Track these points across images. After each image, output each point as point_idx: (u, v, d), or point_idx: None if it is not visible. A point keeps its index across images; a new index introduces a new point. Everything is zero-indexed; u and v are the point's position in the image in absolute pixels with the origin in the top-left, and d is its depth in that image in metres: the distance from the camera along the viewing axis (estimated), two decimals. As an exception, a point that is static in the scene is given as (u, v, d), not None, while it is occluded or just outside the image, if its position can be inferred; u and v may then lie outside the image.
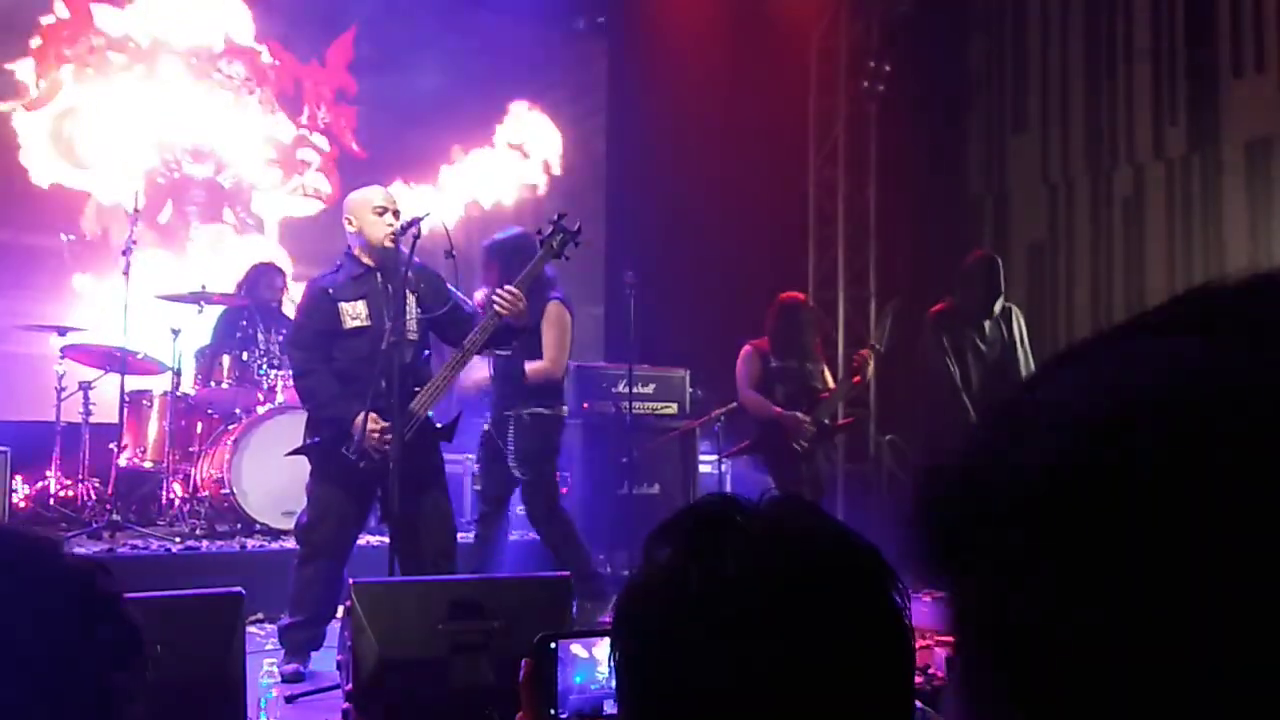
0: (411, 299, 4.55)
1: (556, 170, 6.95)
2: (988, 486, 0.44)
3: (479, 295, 5.01)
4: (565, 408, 5.48)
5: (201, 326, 6.74)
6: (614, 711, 1.04)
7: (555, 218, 4.67)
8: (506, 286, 4.48)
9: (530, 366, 5.22)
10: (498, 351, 5.03)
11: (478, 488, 5.92)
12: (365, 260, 4.58)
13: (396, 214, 4.57)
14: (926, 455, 0.49)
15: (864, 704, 0.79)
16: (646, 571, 0.85)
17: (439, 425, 4.59)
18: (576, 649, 1.04)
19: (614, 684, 1.05)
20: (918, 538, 0.47)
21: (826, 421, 6.19)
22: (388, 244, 4.51)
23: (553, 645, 1.03)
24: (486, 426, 5.43)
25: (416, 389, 4.47)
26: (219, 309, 6.82)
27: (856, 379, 6.31)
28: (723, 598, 0.79)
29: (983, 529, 0.44)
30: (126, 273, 6.08)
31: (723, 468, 7.08)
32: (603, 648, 1.05)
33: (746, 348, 6.25)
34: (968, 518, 0.44)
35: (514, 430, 5.25)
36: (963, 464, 0.46)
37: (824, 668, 0.78)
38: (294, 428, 5.43)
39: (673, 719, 0.80)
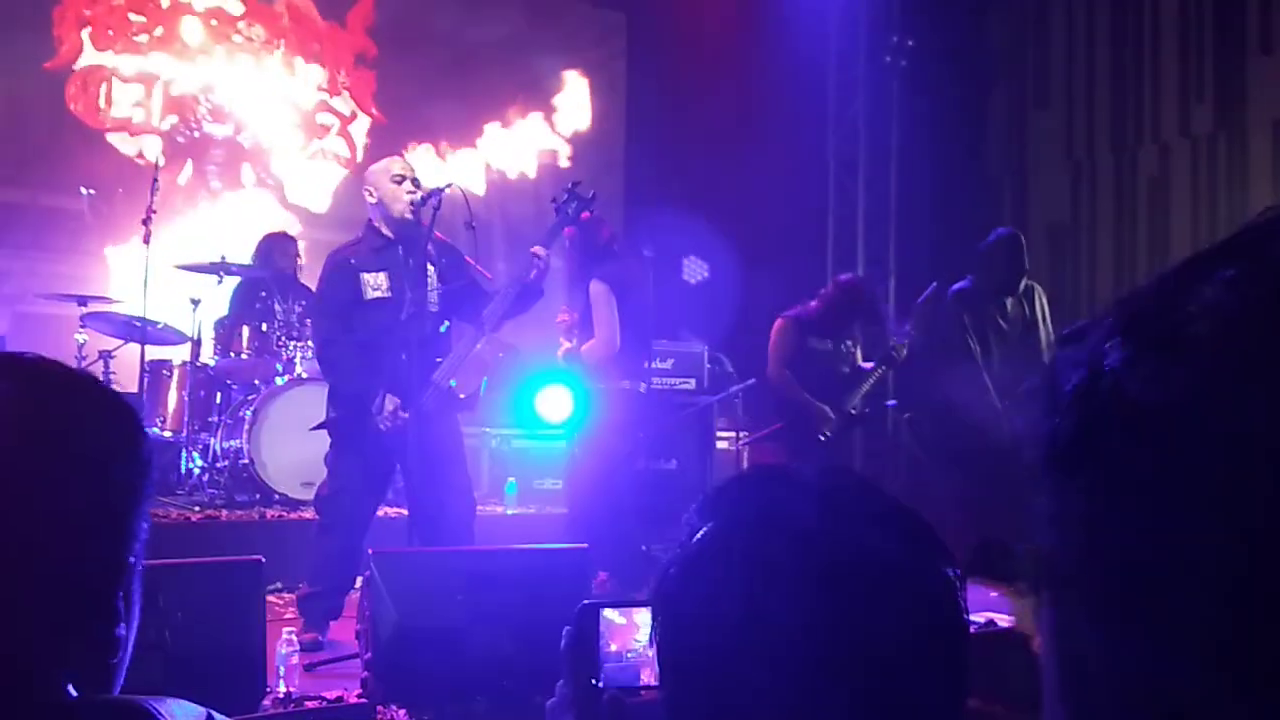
0: (432, 271, 4.55)
1: (585, 125, 6.88)
2: (1146, 389, 0.43)
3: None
4: (627, 382, 5.54)
5: (221, 297, 6.75)
6: (651, 681, 1.03)
7: (570, 186, 4.79)
8: (534, 248, 4.58)
9: (585, 348, 5.40)
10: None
11: None
12: (385, 232, 4.58)
13: (416, 182, 4.57)
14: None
15: (918, 687, 0.77)
16: (691, 544, 0.82)
17: (463, 396, 4.59)
18: (614, 616, 1.03)
19: (651, 654, 1.04)
20: (1062, 426, 0.46)
21: (853, 412, 6.11)
22: (407, 215, 4.51)
23: (595, 614, 1.02)
24: None
25: (438, 360, 4.49)
26: (236, 279, 6.82)
27: (892, 364, 6.20)
28: (772, 574, 0.76)
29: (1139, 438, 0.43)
30: (147, 241, 6.08)
31: (740, 444, 7.07)
32: (642, 615, 1.03)
33: (782, 321, 6.10)
34: (1121, 422, 0.44)
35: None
36: (1119, 366, 0.45)
37: (877, 648, 0.75)
38: (313, 399, 5.45)
39: (715, 695, 0.77)
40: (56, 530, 0.88)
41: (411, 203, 4.49)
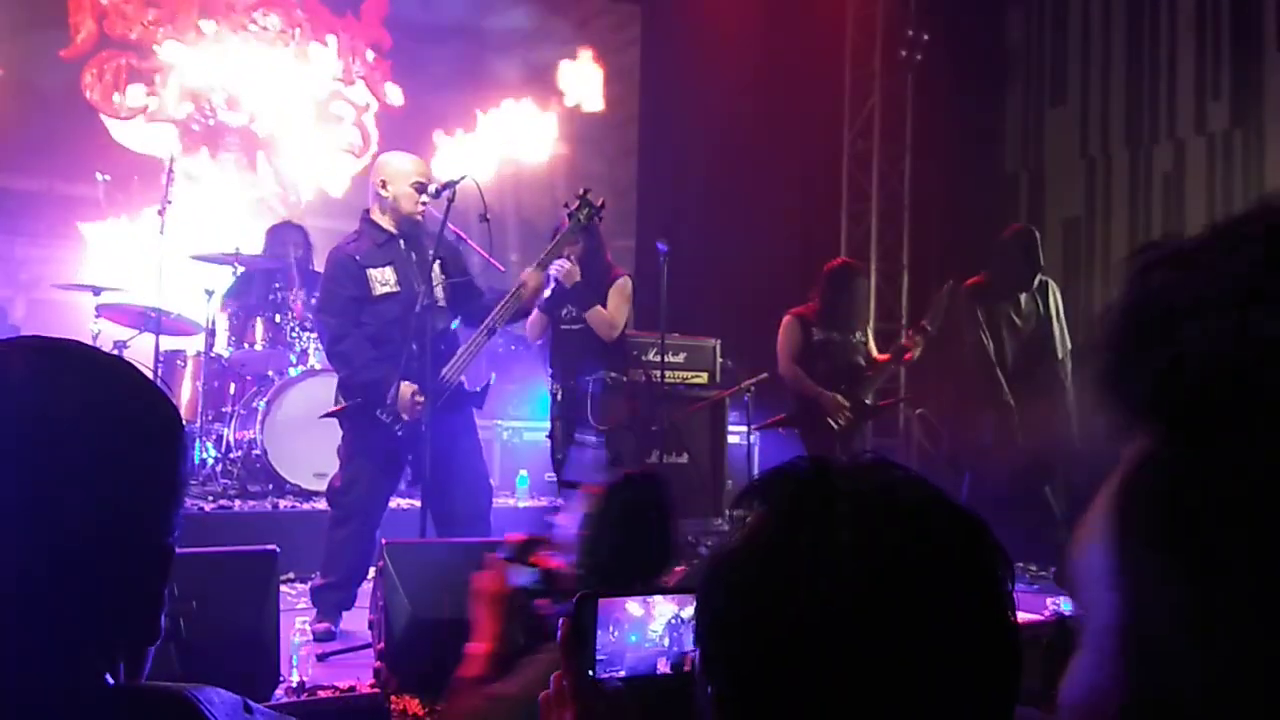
0: (436, 266, 4.56)
1: (599, 105, 6.85)
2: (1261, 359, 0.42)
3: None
4: (624, 378, 5.64)
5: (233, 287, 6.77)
6: (668, 670, 1.03)
7: (580, 192, 4.82)
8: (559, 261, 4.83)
9: (593, 316, 5.29)
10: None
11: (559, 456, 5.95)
12: (387, 226, 4.58)
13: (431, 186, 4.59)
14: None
15: (972, 686, 0.76)
16: (744, 536, 0.81)
17: (476, 390, 4.61)
18: (632, 607, 1.02)
19: (667, 644, 1.04)
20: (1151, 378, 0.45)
21: (867, 402, 6.08)
22: (417, 216, 4.53)
23: (593, 605, 1.00)
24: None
25: (449, 354, 4.50)
26: (242, 270, 6.82)
27: (907, 357, 6.16)
28: (836, 569, 0.76)
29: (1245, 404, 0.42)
30: (161, 231, 6.10)
31: (751, 439, 7.07)
32: (662, 606, 1.03)
33: (788, 317, 6.08)
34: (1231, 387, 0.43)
35: (594, 391, 5.44)
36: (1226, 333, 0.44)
37: (935, 647, 0.75)
38: (326, 390, 5.46)
39: (768, 687, 0.77)
40: (108, 518, 0.88)
41: (423, 206, 4.52)
